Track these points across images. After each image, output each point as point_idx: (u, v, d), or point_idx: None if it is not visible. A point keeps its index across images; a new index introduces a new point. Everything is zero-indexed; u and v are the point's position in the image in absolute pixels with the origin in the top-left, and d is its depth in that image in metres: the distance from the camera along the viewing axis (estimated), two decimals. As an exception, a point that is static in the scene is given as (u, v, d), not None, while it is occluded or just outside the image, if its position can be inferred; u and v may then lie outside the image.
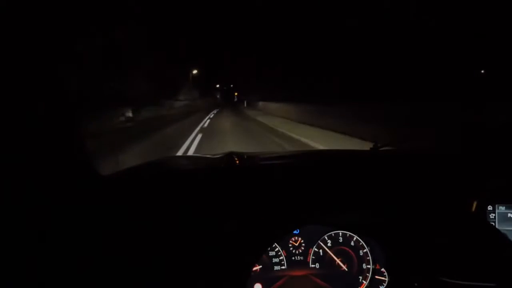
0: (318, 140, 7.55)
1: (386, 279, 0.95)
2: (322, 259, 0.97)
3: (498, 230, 0.91)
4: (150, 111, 16.67)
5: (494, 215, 0.98)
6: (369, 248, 0.97)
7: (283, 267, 0.95)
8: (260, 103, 26.64)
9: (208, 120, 15.80)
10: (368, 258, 0.97)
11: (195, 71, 35.74)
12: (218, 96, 68.03)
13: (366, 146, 1.35)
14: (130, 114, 13.44)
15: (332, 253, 0.97)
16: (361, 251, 0.98)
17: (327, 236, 0.98)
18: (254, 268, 0.93)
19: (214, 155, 1.24)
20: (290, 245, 0.97)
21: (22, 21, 0.64)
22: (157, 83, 18.69)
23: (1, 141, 0.62)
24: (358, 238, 0.98)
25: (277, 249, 0.95)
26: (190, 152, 6.56)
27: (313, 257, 0.97)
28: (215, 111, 25.78)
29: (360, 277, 0.97)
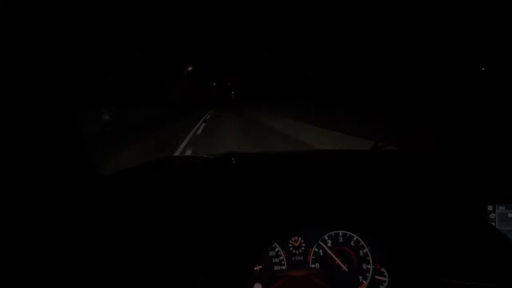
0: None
1: (386, 279, 0.95)
2: (322, 259, 0.97)
3: (498, 230, 0.92)
4: (134, 113, 14.09)
5: (494, 215, 0.98)
6: (369, 248, 0.97)
7: (283, 267, 0.95)
8: (261, 103, 25.29)
9: (203, 125, 12.57)
10: (368, 258, 0.97)
11: (189, 68, 34.80)
12: (214, 95, 65.77)
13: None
14: (107, 117, 11.35)
15: (332, 253, 0.97)
16: (361, 251, 0.98)
17: (327, 236, 0.98)
18: (254, 268, 0.93)
19: (213, 155, 1.24)
20: (290, 245, 0.97)
21: (21, 21, 0.64)
22: (146, 80, 17.37)
23: (1, 141, 0.61)
24: (358, 238, 0.98)
25: (277, 249, 0.95)
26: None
27: (313, 257, 0.96)
28: (212, 111, 22.83)
29: (360, 277, 0.97)
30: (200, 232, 0.82)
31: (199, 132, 10.25)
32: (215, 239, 0.81)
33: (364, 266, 0.97)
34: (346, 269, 0.96)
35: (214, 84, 69.92)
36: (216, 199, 0.89)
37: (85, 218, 0.75)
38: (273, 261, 0.95)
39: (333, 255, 0.97)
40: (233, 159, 1.14)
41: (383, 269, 0.96)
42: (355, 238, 0.98)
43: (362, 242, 0.98)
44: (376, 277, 0.96)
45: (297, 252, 0.96)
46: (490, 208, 0.98)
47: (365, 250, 0.98)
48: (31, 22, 0.66)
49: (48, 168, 0.69)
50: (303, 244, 0.97)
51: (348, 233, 0.98)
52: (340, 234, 0.98)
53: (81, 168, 0.78)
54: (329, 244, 0.98)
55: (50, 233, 0.67)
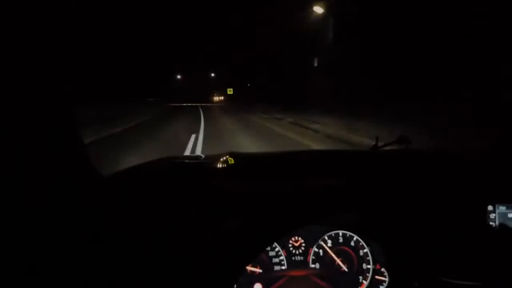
0: None
1: (386, 279, 0.95)
2: (322, 259, 0.97)
3: (498, 230, 0.92)
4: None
5: (494, 215, 0.98)
6: (369, 248, 0.97)
7: (283, 267, 0.95)
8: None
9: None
10: (368, 258, 0.97)
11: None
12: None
13: None
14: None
15: (332, 253, 0.97)
16: (361, 251, 0.98)
17: (327, 236, 0.98)
18: (254, 269, 0.93)
19: (214, 155, 1.24)
20: (290, 245, 0.97)
21: (21, 20, 0.64)
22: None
23: (1, 141, 0.61)
24: (358, 238, 0.98)
25: (277, 249, 0.95)
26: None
27: (313, 257, 0.97)
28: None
29: (360, 277, 0.97)
30: (199, 232, 0.82)
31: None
32: (214, 239, 0.81)
33: (364, 266, 0.97)
34: (346, 269, 0.96)
35: (178, 76, 43.96)
36: (217, 199, 0.89)
37: (85, 219, 0.75)
38: (273, 261, 0.95)
39: (333, 255, 0.97)
40: (232, 159, 1.14)
41: (383, 269, 0.96)
42: (355, 238, 0.98)
43: (362, 242, 0.98)
44: (376, 277, 0.96)
45: (297, 252, 0.97)
46: (490, 208, 0.97)
47: (365, 250, 0.98)
48: (29, 20, 0.66)
49: (48, 168, 0.69)
50: (303, 244, 0.97)
51: (348, 233, 0.98)
52: (340, 234, 0.98)
53: (81, 168, 0.78)
54: (329, 244, 0.98)
55: (49, 234, 0.68)
